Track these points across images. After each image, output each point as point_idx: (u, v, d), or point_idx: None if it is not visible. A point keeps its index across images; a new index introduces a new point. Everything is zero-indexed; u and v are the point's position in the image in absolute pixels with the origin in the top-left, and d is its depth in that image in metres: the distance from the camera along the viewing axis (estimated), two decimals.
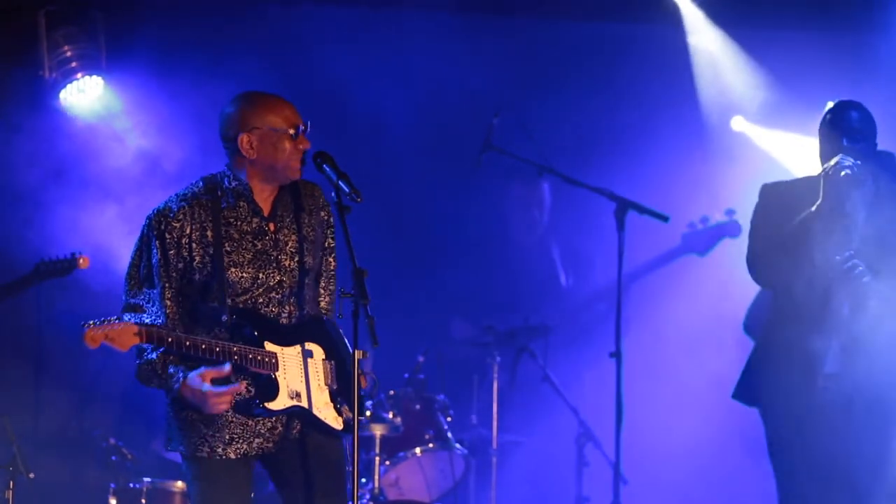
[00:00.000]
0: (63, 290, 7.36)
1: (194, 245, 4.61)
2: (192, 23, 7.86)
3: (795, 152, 8.32)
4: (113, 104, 7.91)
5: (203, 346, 4.50)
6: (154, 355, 4.55)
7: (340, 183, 4.57)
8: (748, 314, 7.19)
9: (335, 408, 4.72)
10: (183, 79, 7.75)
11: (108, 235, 7.58)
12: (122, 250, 7.33)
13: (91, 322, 4.38)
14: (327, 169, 4.61)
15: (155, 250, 4.61)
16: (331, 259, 4.88)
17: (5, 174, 7.77)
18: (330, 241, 4.88)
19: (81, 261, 7.10)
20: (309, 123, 4.71)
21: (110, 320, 4.41)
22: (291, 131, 4.66)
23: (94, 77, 7.77)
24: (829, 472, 5.35)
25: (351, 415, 4.68)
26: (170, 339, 4.47)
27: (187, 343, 4.49)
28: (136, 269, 4.66)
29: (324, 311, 4.84)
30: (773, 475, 5.56)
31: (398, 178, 8.18)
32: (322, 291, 4.85)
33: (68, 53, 7.68)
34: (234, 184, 4.68)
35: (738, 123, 8.73)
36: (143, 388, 7.52)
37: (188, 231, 4.61)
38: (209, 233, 4.62)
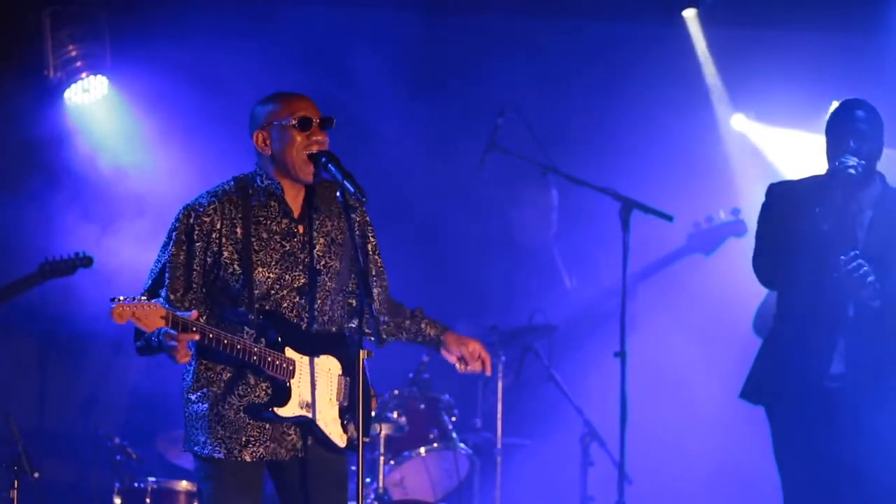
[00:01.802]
0: (68, 290, 7.35)
1: (224, 240, 4.61)
2: (197, 22, 7.85)
3: (800, 150, 8.30)
4: (118, 103, 7.91)
5: (225, 341, 4.48)
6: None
7: (345, 183, 4.54)
8: (757, 314, 7.18)
9: (342, 424, 4.70)
10: (188, 78, 7.74)
11: (113, 235, 7.59)
12: (127, 249, 7.36)
13: (121, 297, 4.34)
14: (332, 169, 4.59)
15: (172, 244, 4.62)
16: (377, 257, 4.88)
17: (9, 173, 7.77)
18: (371, 239, 4.86)
19: (86, 261, 7.10)
20: (333, 119, 4.69)
21: (140, 299, 4.38)
22: (294, 121, 4.63)
23: (99, 76, 7.78)
24: (834, 473, 5.34)
25: (356, 434, 4.62)
26: (194, 329, 4.43)
27: (210, 335, 4.46)
28: (156, 263, 4.67)
29: (376, 310, 4.80)
30: (778, 475, 5.54)
31: (402, 178, 8.17)
32: (375, 289, 4.82)
33: (73, 53, 7.68)
34: (266, 182, 4.68)
35: (738, 122, 8.71)
36: (147, 388, 7.63)
37: (218, 226, 4.61)
38: (238, 230, 4.62)
